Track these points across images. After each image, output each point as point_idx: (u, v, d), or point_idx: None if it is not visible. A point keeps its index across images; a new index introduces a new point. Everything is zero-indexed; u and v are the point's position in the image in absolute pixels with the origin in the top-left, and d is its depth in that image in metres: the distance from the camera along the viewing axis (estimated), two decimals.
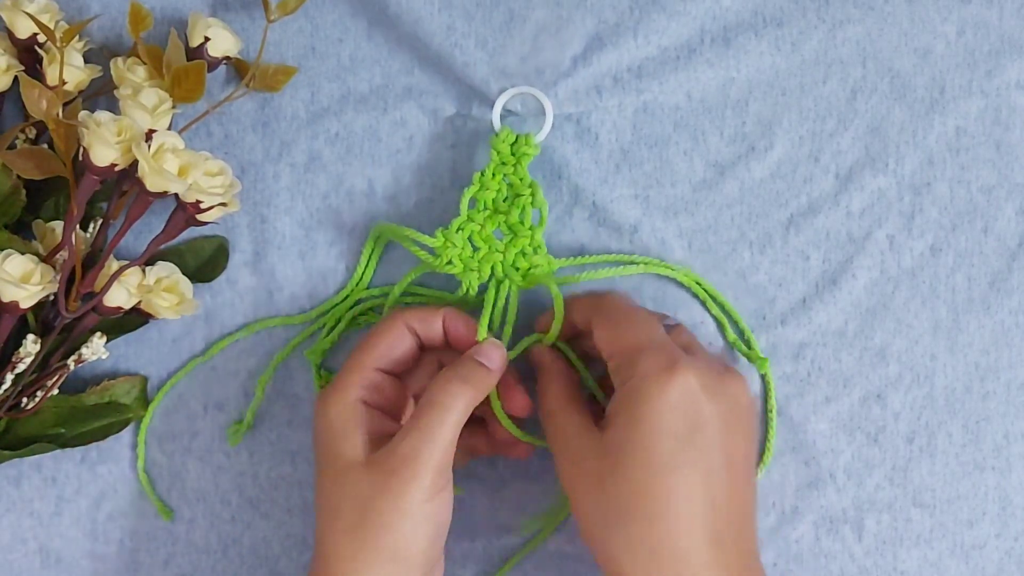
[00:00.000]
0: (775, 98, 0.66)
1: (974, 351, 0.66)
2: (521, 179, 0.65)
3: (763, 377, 0.66)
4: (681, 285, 0.66)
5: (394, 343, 0.61)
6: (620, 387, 0.58)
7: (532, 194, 0.64)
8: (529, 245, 0.64)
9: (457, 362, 0.60)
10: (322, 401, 0.60)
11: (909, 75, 0.66)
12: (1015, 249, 0.66)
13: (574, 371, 0.63)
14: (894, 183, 0.66)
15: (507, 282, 0.65)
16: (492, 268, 0.65)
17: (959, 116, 0.66)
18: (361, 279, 0.67)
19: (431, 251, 0.64)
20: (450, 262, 0.64)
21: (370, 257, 0.67)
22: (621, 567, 0.56)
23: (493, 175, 0.65)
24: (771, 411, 0.66)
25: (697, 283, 0.66)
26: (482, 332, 0.62)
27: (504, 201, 0.65)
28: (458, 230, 0.64)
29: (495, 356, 0.61)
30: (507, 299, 0.65)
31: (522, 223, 0.64)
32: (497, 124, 0.65)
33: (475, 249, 0.65)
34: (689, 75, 0.66)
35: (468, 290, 0.64)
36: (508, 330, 0.64)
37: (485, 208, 0.65)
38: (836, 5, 0.66)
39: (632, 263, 0.66)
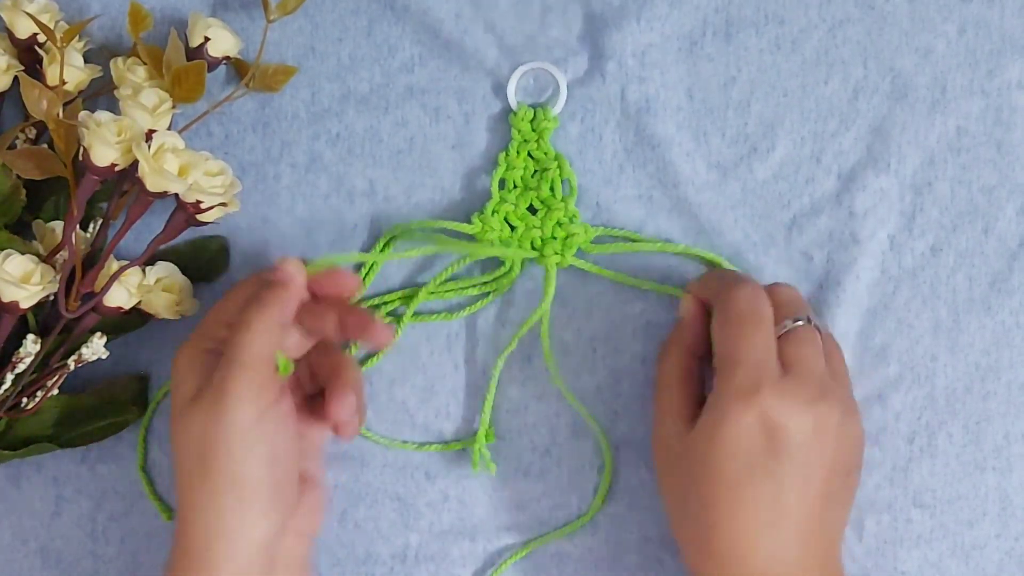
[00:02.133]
0: (777, 99, 0.66)
1: (975, 351, 0.66)
2: (546, 153, 0.66)
3: None
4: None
5: (277, 343, 0.59)
6: (714, 392, 0.58)
7: (559, 166, 0.65)
8: (564, 215, 0.65)
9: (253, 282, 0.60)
10: (176, 354, 0.60)
11: (910, 75, 0.66)
12: (1016, 249, 0.66)
13: (707, 339, 0.62)
14: (895, 183, 0.66)
15: (548, 261, 0.65)
16: (532, 242, 0.65)
17: (960, 116, 0.66)
18: (366, 278, 0.67)
19: (470, 239, 0.65)
20: (492, 245, 0.65)
21: (372, 266, 0.67)
22: (692, 562, 0.59)
23: (517, 153, 0.66)
24: None
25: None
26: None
27: (532, 176, 0.66)
28: (493, 212, 0.65)
29: (287, 270, 0.59)
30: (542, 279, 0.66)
31: (553, 195, 0.65)
32: (513, 102, 0.66)
33: (512, 228, 0.66)
34: (690, 68, 0.66)
35: (511, 269, 0.66)
36: (546, 306, 0.65)
37: (515, 187, 0.66)
38: (837, 4, 0.66)
39: (670, 244, 0.66)
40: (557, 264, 0.66)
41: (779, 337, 0.59)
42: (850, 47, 0.66)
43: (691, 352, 0.62)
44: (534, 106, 0.66)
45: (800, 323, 0.60)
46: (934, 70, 0.66)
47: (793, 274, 0.66)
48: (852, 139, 0.66)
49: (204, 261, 0.67)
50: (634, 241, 0.66)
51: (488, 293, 0.67)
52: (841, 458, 0.58)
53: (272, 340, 0.58)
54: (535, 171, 0.66)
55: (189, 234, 0.65)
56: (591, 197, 0.67)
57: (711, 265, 0.66)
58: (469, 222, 0.66)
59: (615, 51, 0.66)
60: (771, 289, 0.61)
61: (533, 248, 0.66)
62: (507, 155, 0.66)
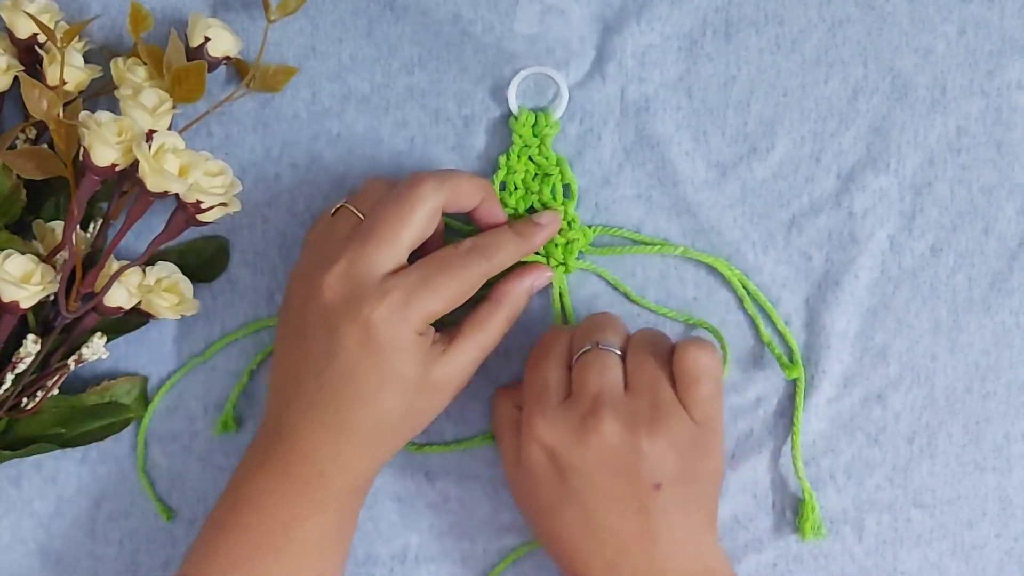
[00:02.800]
0: (776, 98, 0.66)
1: (975, 351, 0.66)
2: (547, 158, 0.66)
3: (794, 382, 0.66)
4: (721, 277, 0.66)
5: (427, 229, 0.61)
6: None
7: (560, 171, 0.66)
8: (564, 220, 0.65)
9: (514, 291, 0.63)
10: (385, 318, 0.58)
11: (910, 75, 0.66)
12: (1015, 249, 0.66)
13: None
14: (895, 183, 0.66)
15: (556, 270, 0.66)
16: None
17: (960, 116, 0.66)
18: None
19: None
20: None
21: None
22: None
23: (518, 157, 0.66)
24: (796, 422, 0.65)
25: (740, 281, 0.66)
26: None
27: (534, 180, 0.66)
28: None
29: (543, 283, 0.66)
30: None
31: (554, 199, 0.66)
32: (514, 106, 0.66)
33: None
34: (690, 67, 0.66)
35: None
36: (572, 320, 0.66)
37: (516, 188, 0.66)
38: (837, 4, 0.66)
39: (669, 245, 0.66)
40: (565, 271, 0.66)
41: (572, 366, 0.62)
42: (850, 47, 0.66)
43: (516, 402, 0.64)
44: (535, 110, 0.66)
45: (587, 349, 0.61)
46: (934, 70, 0.66)
47: (792, 274, 0.66)
48: (852, 139, 0.66)
49: (204, 261, 0.67)
50: (634, 242, 0.66)
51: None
52: (647, 469, 0.59)
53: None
54: (536, 174, 0.66)
55: (189, 234, 0.65)
56: (590, 197, 0.66)
57: (709, 267, 0.66)
58: (469, 223, 0.66)
59: (615, 52, 0.66)
60: (583, 322, 0.64)
61: (537, 252, 0.66)
62: (508, 159, 0.66)
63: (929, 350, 0.66)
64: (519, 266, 0.64)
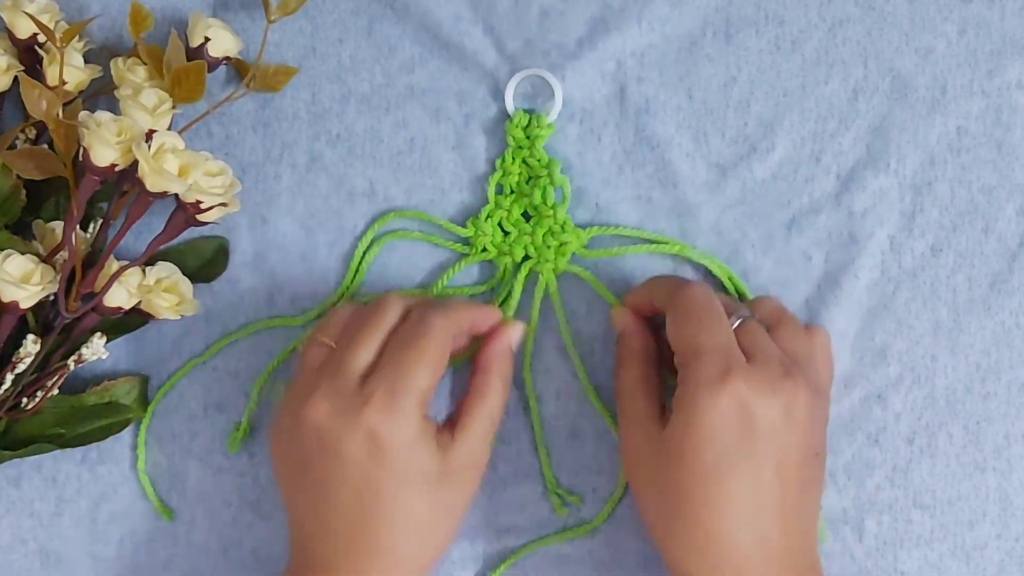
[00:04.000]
0: (777, 98, 0.66)
1: (975, 352, 0.66)
2: (539, 160, 0.66)
3: None
4: (711, 275, 0.66)
5: (445, 357, 0.60)
6: (680, 386, 0.59)
7: (550, 174, 0.65)
8: (555, 223, 0.65)
9: (498, 357, 0.63)
10: (393, 423, 0.58)
11: (910, 75, 0.66)
12: (1016, 249, 0.66)
13: (654, 343, 0.64)
14: (895, 183, 0.66)
15: (544, 267, 0.66)
16: (524, 249, 0.66)
17: (960, 116, 0.66)
18: (356, 276, 0.67)
19: (464, 241, 0.66)
20: (484, 249, 0.66)
21: (365, 253, 0.67)
22: (676, 561, 0.59)
23: (512, 159, 0.66)
24: None
25: (729, 278, 0.66)
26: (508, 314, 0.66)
27: (527, 183, 0.66)
28: (487, 217, 0.66)
29: (516, 338, 0.64)
30: (545, 289, 0.67)
31: (544, 203, 0.65)
32: (511, 108, 0.66)
33: (505, 234, 0.66)
34: (690, 68, 0.66)
35: (504, 274, 0.66)
36: (560, 314, 0.66)
37: (511, 192, 0.66)
38: (837, 4, 0.66)
39: (664, 243, 0.66)
40: (554, 271, 0.66)
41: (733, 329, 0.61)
42: (850, 47, 0.66)
43: (644, 359, 0.63)
44: (530, 111, 0.66)
45: (746, 317, 0.61)
46: (934, 70, 0.66)
47: (792, 274, 0.66)
48: (852, 139, 0.66)
49: (204, 261, 0.67)
50: (634, 240, 0.66)
51: (486, 292, 0.67)
52: (813, 439, 0.59)
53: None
54: (529, 178, 0.66)
55: (189, 234, 0.65)
56: (590, 198, 0.66)
57: (704, 268, 0.66)
58: (471, 216, 0.66)
59: (615, 52, 0.66)
60: (714, 296, 0.62)
61: (526, 253, 0.66)
62: (503, 161, 0.66)
63: (929, 350, 0.66)
64: (491, 333, 0.64)
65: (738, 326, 0.60)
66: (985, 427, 0.65)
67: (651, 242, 0.66)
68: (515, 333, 0.64)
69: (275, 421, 0.62)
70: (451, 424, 0.61)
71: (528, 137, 0.66)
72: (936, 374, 0.66)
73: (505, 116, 0.67)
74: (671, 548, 0.59)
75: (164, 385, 0.68)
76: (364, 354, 0.60)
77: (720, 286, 0.66)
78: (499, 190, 0.66)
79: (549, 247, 0.66)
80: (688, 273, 0.66)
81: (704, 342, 0.58)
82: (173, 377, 0.68)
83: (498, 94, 0.67)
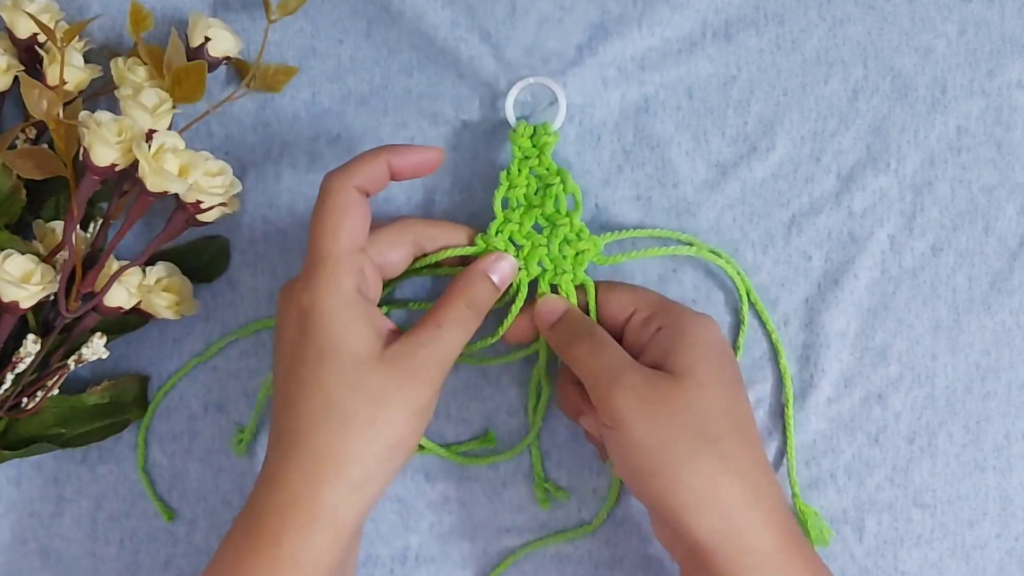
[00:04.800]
0: (777, 98, 0.66)
1: (975, 351, 0.66)
2: (548, 169, 0.64)
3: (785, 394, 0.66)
4: (727, 277, 0.66)
5: (356, 212, 0.58)
6: (667, 327, 0.60)
7: (562, 181, 0.64)
8: (571, 232, 0.64)
9: (469, 276, 0.62)
10: (313, 291, 0.57)
11: (910, 75, 0.66)
12: (1016, 249, 0.66)
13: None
14: (895, 183, 0.66)
15: (562, 279, 0.64)
16: (540, 262, 0.64)
17: (960, 116, 0.66)
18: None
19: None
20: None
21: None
22: (688, 498, 0.56)
23: (519, 171, 0.64)
24: (789, 449, 0.65)
25: (742, 281, 0.66)
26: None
27: (536, 194, 0.65)
28: (497, 232, 0.64)
29: (506, 270, 0.63)
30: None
31: (558, 211, 0.64)
32: (512, 118, 0.65)
33: (518, 247, 0.64)
34: (690, 69, 0.66)
35: (519, 288, 0.64)
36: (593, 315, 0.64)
37: (519, 205, 0.65)
38: (837, 3, 0.66)
39: (685, 243, 0.66)
40: (572, 281, 0.64)
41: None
42: (850, 47, 0.66)
43: (594, 325, 0.62)
44: (531, 120, 0.66)
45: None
46: (934, 70, 0.66)
47: (792, 273, 0.66)
48: (852, 139, 0.66)
49: (204, 261, 0.67)
50: (647, 244, 0.66)
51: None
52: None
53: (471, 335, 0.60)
54: (538, 188, 0.65)
55: (189, 234, 0.65)
56: (589, 198, 0.66)
57: (709, 270, 0.66)
58: (466, 225, 0.65)
59: (615, 58, 0.66)
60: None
61: (542, 267, 0.64)
62: (509, 174, 0.64)
63: (929, 350, 0.66)
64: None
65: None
66: (985, 426, 0.65)
67: (672, 241, 0.66)
68: (501, 263, 0.63)
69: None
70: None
71: (535, 146, 0.64)
72: (936, 374, 0.66)
73: (503, 119, 0.66)
74: (676, 500, 0.57)
75: (164, 385, 0.68)
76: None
77: (725, 287, 0.66)
78: (505, 204, 0.65)
79: (566, 257, 0.64)
80: (688, 274, 0.66)
81: (644, 296, 0.62)
82: (173, 377, 0.68)
83: (496, 98, 0.67)
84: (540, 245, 0.64)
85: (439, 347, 0.58)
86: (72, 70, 0.63)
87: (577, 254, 0.64)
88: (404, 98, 0.67)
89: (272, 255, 0.68)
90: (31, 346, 0.62)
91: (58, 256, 0.63)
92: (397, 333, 0.59)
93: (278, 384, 0.58)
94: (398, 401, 0.57)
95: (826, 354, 0.66)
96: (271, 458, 0.57)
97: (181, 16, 0.68)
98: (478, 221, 0.65)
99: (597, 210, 0.67)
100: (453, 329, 0.59)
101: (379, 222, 0.67)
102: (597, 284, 0.64)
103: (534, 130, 0.65)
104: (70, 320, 0.62)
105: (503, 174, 0.64)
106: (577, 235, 0.64)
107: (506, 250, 0.64)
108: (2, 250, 0.61)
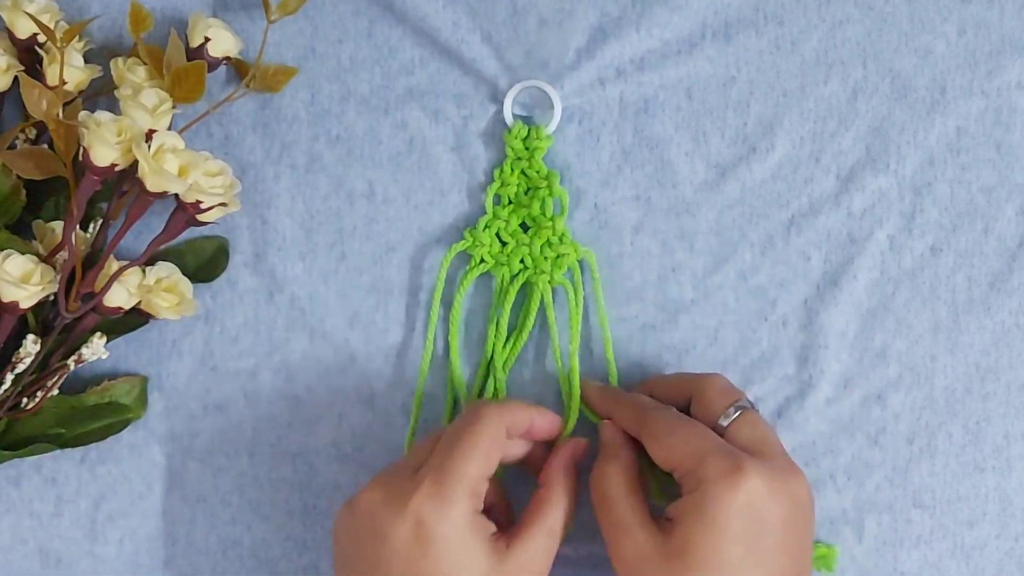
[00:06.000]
0: (776, 99, 0.66)
1: (974, 352, 0.66)
2: (537, 171, 0.66)
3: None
4: None
5: (497, 448, 0.59)
6: (688, 493, 0.57)
7: (549, 185, 0.65)
8: (553, 235, 0.65)
9: (555, 473, 0.62)
10: (444, 508, 0.56)
11: (910, 75, 0.66)
12: (1015, 250, 0.66)
13: (636, 457, 0.62)
14: (895, 183, 0.66)
15: (539, 279, 0.65)
16: (522, 260, 0.66)
17: (960, 116, 0.66)
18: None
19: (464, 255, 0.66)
20: (482, 260, 0.66)
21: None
22: None
23: (512, 170, 0.66)
24: None
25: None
26: (569, 427, 0.64)
27: (525, 194, 0.66)
28: (485, 228, 0.66)
29: (580, 454, 0.63)
30: (541, 302, 0.66)
31: (543, 214, 0.66)
32: (509, 119, 0.66)
33: (503, 244, 0.66)
34: (690, 70, 0.66)
35: (502, 284, 0.66)
36: (529, 323, 0.65)
37: (509, 203, 0.66)
38: (836, 4, 0.66)
39: None
40: (549, 282, 0.66)
41: (729, 425, 0.60)
42: (850, 47, 0.66)
43: (630, 467, 0.61)
44: (528, 122, 0.66)
45: (744, 408, 0.60)
46: (934, 70, 0.66)
47: (791, 274, 0.66)
48: (851, 139, 0.66)
49: (204, 261, 0.67)
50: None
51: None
52: (811, 529, 0.59)
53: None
54: (528, 188, 0.66)
55: (189, 234, 0.65)
56: (589, 199, 0.67)
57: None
58: (469, 226, 0.66)
59: (614, 60, 0.66)
60: (704, 382, 0.62)
61: (523, 265, 0.66)
62: (501, 171, 0.66)
63: (929, 350, 0.66)
64: (555, 447, 0.63)
65: (733, 420, 0.60)
66: (985, 427, 0.65)
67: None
68: (579, 447, 0.63)
69: (338, 513, 0.60)
70: (510, 535, 0.59)
71: (527, 148, 0.66)
72: (936, 374, 0.66)
73: (502, 122, 0.67)
74: None
75: (164, 385, 0.67)
76: (424, 447, 0.59)
77: (724, 288, 0.66)
78: (497, 200, 0.66)
79: (547, 258, 0.66)
80: (687, 276, 0.66)
81: (699, 444, 0.58)
82: (173, 377, 0.68)
83: (497, 99, 0.67)
84: (523, 244, 0.66)
85: (545, 546, 0.59)
86: (72, 70, 0.63)
87: (557, 257, 0.65)
88: (405, 97, 0.67)
89: (272, 255, 0.67)
90: (31, 346, 0.62)
91: (58, 256, 0.63)
92: (498, 535, 0.59)
93: None
94: None
95: (825, 355, 0.66)
96: None
97: (181, 16, 0.68)
98: (476, 220, 0.67)
99: (596, 210, 0.67)
100: (557, 521, 0.60)
101: (379, 221, 0.67)
102: (645, 430, 0.61)
103: (528, 132, 0.65)
104: (70, 320, 0.62)
105: (496, 171, 0.66)
106: (559, 239, 0.65)
107: (491, 245, 0.65)
108: (2, 250, 0.61)
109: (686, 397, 0.62)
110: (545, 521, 0.59)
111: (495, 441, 0.59)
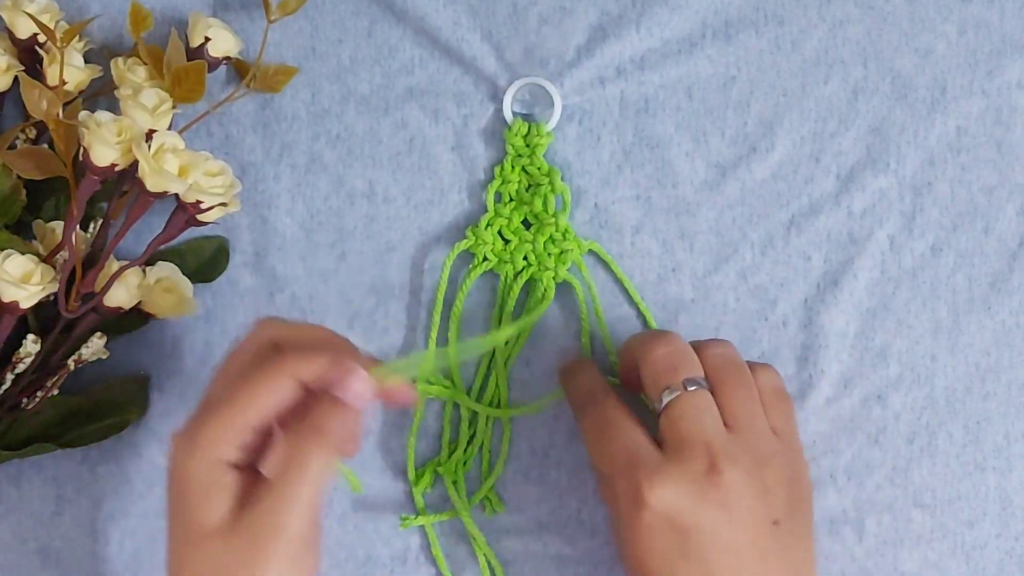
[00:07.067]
0: (776, 98, 0.66)
1: (975, 352, 0.66)
2: (539, 168, 0.66)
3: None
4: None
5: (273, 398, 0.53)
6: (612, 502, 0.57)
7: (551, 181, 0.65)
8: (556, 231, 0.65)
9: (313, 406, 0.54)
10: (178, 455, 0.52)
11: (910, 75, 0.66)
12: (1016, 249, 0.66)
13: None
14: (895, 183, 0.66)
15: (544, 275, 0.66)
16: (525, 257, 0.66)
17: (960, 116, 0.66)
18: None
19: (468, 254, 0.66)
20: (485, 258, 0.66)
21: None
22: None
23: (512, 168, 0.66)
24: None
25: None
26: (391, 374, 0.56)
27: (527, 191, 0.66)
28: (487, 225, 0.66)
29: (357, 388, 0.53)
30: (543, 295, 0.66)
31: (546, 210, 0.66)
32: (509, 116, 0.66)
33: (506, 242, 0.66)
34: (690, 69, 0.66)
35: (505, 281, 0.66)
36: (534, 317, 0.66)
37: (511, 200, 0.66)
38: (837, 4, 0.66)
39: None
40: (553, 279, 0.66)
41: (660, 414, 0.57)
42: (850, 47, 0.66)
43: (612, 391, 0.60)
44: (528, 119, 0.66)
45: (678, 393, 0.57)
46: (934, 70, 0.66)
47: (791, 274, 0.66)
48: (851, 139, 0.66)
49: (204, 261, 0.67)
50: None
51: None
52: (766, 509, 0.56)
53: (325, 473, 0.52)
54: (529, 185, 0.66)
55: (189, 234, 0.65)
56: (589, 198, 0.67)
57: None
58: (471, 225, 0.66)
59: (614, 59, 0.66)
60: (645, 356, 0.58)
61: (526, 262, 0.66)
62: (502, 169, 0.66)
63: (929, 350, 0.66)
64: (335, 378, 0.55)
65: (669, 404, 0.56)
66: (985, 427, 0.65)
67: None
68: (357, 385, 0.54)
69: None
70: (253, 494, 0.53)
71: (528, 145, 0.66)
72: (936, 374, 0.66)
73: (503, 120, 0.67)
74: None
75: (164, 385, 0.68)
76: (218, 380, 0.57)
77: (723, 288, 0.66)
78: (498, 198, 0.66)
79: (550, 255, 0.66)
80: (687, 276, 0.66)
81: (615, 455, 0.56)
82: (174, 377, 0.68)
83: (496, 98, 0.67)
84: (526, 241, 0.66)
85: (278, 502, 0.52)
86: (72, 70, 0.63)
87: (561, 253, 0.65)
88: (405, 97, 0.67)
89: (272, 255, 0.68)
90: (31, 346, 0.62)
91: (58, 256, 0.63)
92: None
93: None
94: (244, 573, 0.51)
95: (825, 355, 0.66)
96: None
97: (181, 16, 0.68)
98: (476, 219, 0.67)
99: (597, 210, 0.67)
100: (294, 475, 0.52)
101: (379, 221, 0.67)
102: (580, 423, 0.61)
103: (528, 129, 0.66)
104: (70, 320, 0.62)
105: (497, 169, 0.66)
106: (563, 235, 0.65)
107: (494, 242, 0.65)
108: (2, 250, 0.61)
109: (637, 368, 0.59)
110: (277, 483, 0.52)
111: (271, 391, 0.53)
